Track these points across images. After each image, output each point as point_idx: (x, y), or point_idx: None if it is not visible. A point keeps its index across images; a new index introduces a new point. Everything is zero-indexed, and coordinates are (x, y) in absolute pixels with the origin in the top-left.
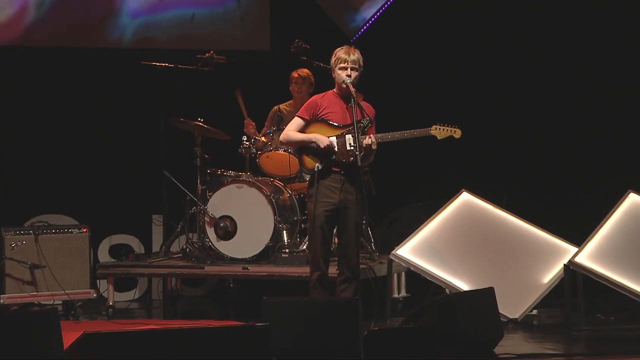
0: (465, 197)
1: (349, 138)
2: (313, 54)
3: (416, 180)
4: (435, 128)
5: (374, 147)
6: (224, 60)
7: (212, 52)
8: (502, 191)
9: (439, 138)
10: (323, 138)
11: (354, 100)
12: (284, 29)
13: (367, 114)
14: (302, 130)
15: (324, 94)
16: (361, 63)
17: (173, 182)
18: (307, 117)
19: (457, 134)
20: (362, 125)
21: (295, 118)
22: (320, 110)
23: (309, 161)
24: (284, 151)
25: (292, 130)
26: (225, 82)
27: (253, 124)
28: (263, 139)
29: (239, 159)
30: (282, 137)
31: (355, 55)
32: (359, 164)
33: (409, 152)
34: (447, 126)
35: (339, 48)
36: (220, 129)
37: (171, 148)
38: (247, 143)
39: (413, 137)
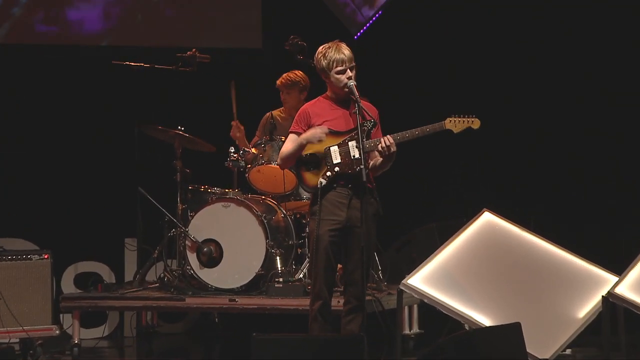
0: (487, 217)
1: (352, 145)
2: (310, 52)
3: (430, 197)
4: (450, 121)
5: (393, 148)
6: (208, 60)
7: (194, 50)
8: (530, 211)
9: (455, 132)
10: (309, 133)
11: (357, 105)
12: (278, 24)
13: (369, 115)
14: None
15: (314, 101)
16: (354, 58)
17: (149, 201)
18: (300, 130)
19: (476, 124)
20: (366, 128)
21: (289, 135)
22: (314, 120)
23: (310, 177)
24: (276, 164)
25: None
26: (209, 84)
27: (241, 128)
28: (253, 150)
29: (226, 173)
30: (279, 158)
31: (347, 51)
32: (364, 177)
33: (421, 164)
34: (463, 117)
35: (325, 48)
36: (203, 139)
37: (147, 161)
38: (235, 155)
39: (426, 134)
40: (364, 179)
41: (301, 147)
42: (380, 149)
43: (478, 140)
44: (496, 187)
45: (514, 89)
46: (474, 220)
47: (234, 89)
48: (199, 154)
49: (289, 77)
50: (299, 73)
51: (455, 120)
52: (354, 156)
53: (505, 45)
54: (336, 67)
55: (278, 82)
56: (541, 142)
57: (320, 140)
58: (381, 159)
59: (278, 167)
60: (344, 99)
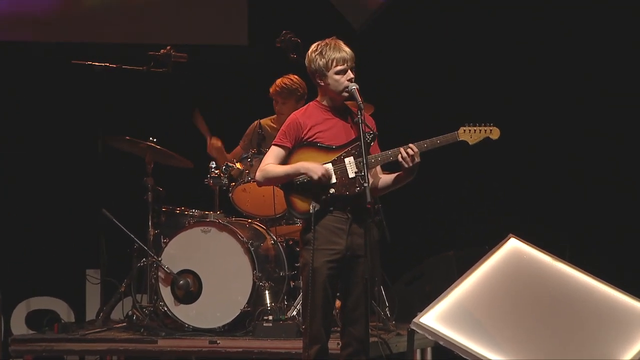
0: (513, 244)
1: (349, 162)
2: (306, 50)
3: (446, 221)
4: (464, 130)
5: (417, 159)
6: (185, 59)
7: (168, 47)
8: (564, 238)
9: (471, 144)
10: (314, 166)
11: (360, 112)
12: (267, 18)
13: (368, 126)
14: (284, 162)
15: (304, 108)
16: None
17: (114, 225)
18: (287, 144)
19: (495, 134)
20: (366, 139)
21: (272, 148)
22: (306, 131)
23: (299, 201)
24: (254, 180)
25: (270, 164)
26: (187, 87)
27: (218, 145)
28: (238, 165)
29: (206, 192)
30: (259, 174)
31: (348, 48)
32: (368, 198)
33: (435, 181)
34: (479, 125)
35: (320, 45)
36: (180, 153)
37: (112, 178)
38: (216, 171)
39: (436, 146)
40: (368, 199)
41: (294, 175)
42: (401, 159)
43: (502, 155)
44: (524, 209)
45: (542, 97)
46: (498, 248)
47: (200, 118)
48: (174, 170)
49: (285, 83)
50: (296, 79)
51: (470, 130)
52: (355, 173)
53: (531, 50)
54: (336, 66)
55: (272, 89)
56: (579, 159)
57: (318, 180)
58: (391, 177)
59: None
60: (339, 107)
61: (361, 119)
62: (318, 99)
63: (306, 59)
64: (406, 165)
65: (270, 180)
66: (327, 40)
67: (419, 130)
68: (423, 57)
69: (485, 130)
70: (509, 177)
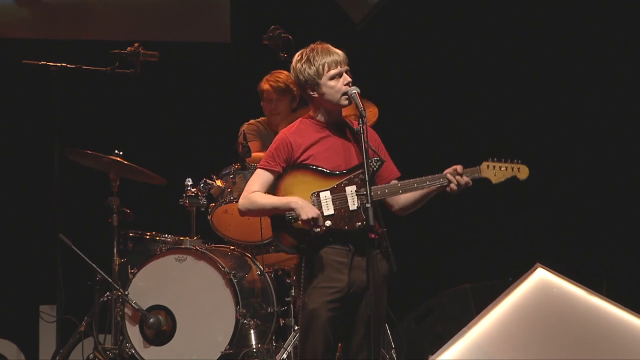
0: (541, 275)
1: (351, 192)
2: (297, 49)
3: (461, 249)
4: (488, 166)
5: (469, 184)
6: (156, 58)
7: (136, 44)
8: (600, 268)
9: (494, 182)
10: (306, 206)
11: (362, 121)
12: (252, 12)
13: (372, 149)
14: (273, 188)
15: (295, 125)
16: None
17: (73, 253)
18: (276, 168)
19: (523, 173)
20: (371, 169)
21: (258, 172)
22: (298, 153)
23: (288, 238)
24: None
25: (257, 193)
26: (158, 92)
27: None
28: (218, 182)
29: (181, 214)
30: (242, 203)
31: (339, 51)
32: (371, 221)
33: (448, 201)
34: (505, 162)
35: (306, 52)
36: (150, 168)
37: (71, 198)
38: (193, 190)
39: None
40: (371, 222)
41: (283, 210)
42: (454, 187)
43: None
44: (552, 233)
45: (572, 112)
46: (523, 280)
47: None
48: (144, 188)
49: (279, 78)
50: (288, 74)
51: (494, 167)
52: (358, 207)
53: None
54: (329, 70)
55: (265, 84)
56: (618, 177)
57: (308, 222)
58: (413, 196)
59: None
60: (337, 122)
61: (364, 132)
62: (310, 114)
63: (292, 71)
64: (455, 193)
65: (254, 212)
66: (312, 46)
67: (423, 131)
68: (429, 52)
69: (513, 169)
70: (535, 197)
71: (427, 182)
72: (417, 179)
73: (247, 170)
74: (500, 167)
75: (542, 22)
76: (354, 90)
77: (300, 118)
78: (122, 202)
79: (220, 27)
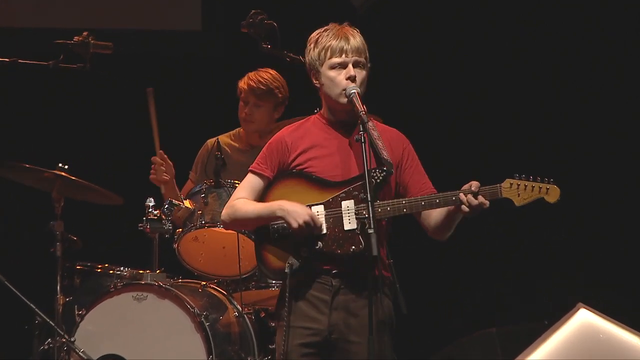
0: (584, 317)
1: (348, 208)
2: (286, 39)
3: (486, 285)
4: (511, 184)
5: (485, 205)
6: (110, 50)
7: (85, 33)
8: None
9: (517, 204)
10: (295, 208)
11: (363, 127)
12: None
13: (384, 155)
14: (262, 195)
15: (300, 123)
16: (367, 52)
17: (7, 290)
18: (266, 172)
19: (552, 195)
20: (374, 180)
21: (247, 175)
22: (294, 156)
23: (272, 258)
24: (221, 221)
25: (241, 199)
26: (113, 89)
27: (169, 164)
28: (187, 203)
29: (141, 243)
30: (225, 212)
31: (356, 38)
32: (374, 251)
33: (467, 227)
34: (532, 181)
35: (320, 31)
36: (102, 185)
37: (4, 222)
38: (155, 212)
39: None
40: (374, 252)
41: (268, 218)
42: (466, 209)
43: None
44: (596, 269)
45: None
46: (563, 323)
47: (153, 101)
48: (95, 209)
49: (262, 78)
50: (277, 76)
51: (519, 185)
52: (358, 226)
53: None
54: (330, 57)
55: (243, 84)
56: None
57: (298, 229)
58: (439, 215)
59: (227, 231)
60: (345, 121)
61: (364, 141)
62: (321, 111)
63: (306, 49)
64: (471, 214)
65: (237, 222)
66: (332, 24)
67: (429, 128)
68: (439, 40)
69: (540, 189)
70: (572, 226)
71: (438, 200)
72: (427, 196)
73: (222, 189)
74: (525, 187)
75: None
76: (353, 89)
77: (312, 115)
78: (67, 227)
79: (189, 12)
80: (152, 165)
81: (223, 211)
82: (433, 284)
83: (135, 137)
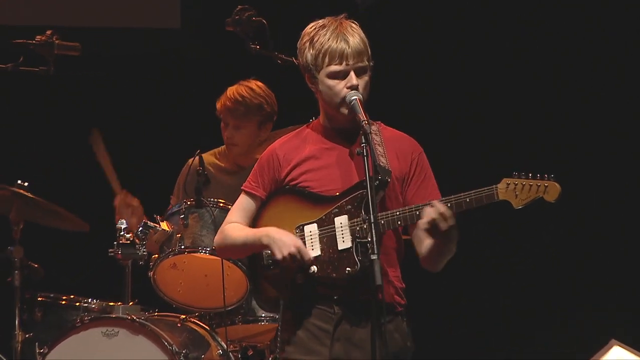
0: (617, 354)
1: (341, 225)
2: (277, 38)
3: (512, 320)
4: (508, 185)
5: (449, 222)
6: (78, 52)
7: (49, 32)
8: None
9: (515, 206)
10: (281, 237)
11: (366, 138)
12: None
13: (382, 162)
14: (256, 217)
15: (295, 132)
16: (369, 51)
17: None
18: (258, 192)
19: (552, 193)
20: (376, 187)
21: (240, 196)
22: (287, 169)
23: (267, 286)
24: (209, 253)
25: (232, 225)
26: (80, 96)
27: (134, 203)
28: (164, 225)
29: (112, 271)
30: (217, 238)
31: (356, 37)
32: (378, 280)
33: (487, 250)
34: (530, 179)
35: (314, 27)
36: (67, 206)
37: None
38: (128, 236)
39: (465, 208)
40: (378, 281)
41: (254, 246)
42: (427, 225)
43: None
44: (632, 304)
45: None
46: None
47: (101, 141)
48: (59, 233)
49: (240, 95)
50: (259, 88)
51: (515, 185)
52: (353, 244)
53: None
54: (329, 64)
55: (220, 104)
56: None
57: (282, 261)
58: (433, 241)
59: (210, 257)
60: (346, 129)
61: (366, 153)
62: (318, 118)
63: (298, 47)
64: (434, 233)
65: (228, 250)
66: (328, 19)
67: (433, 129)
68: (445, 38)
69: (539, 187)
70: (606, 258)
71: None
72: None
73: (204, 209)
74: (522, 186)
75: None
76: (354, 95)
77: (312, 122)
78: (27, 253)
79: (167, 7)
80: (117, 208)
81: (215, 237)
82: (457, 317)
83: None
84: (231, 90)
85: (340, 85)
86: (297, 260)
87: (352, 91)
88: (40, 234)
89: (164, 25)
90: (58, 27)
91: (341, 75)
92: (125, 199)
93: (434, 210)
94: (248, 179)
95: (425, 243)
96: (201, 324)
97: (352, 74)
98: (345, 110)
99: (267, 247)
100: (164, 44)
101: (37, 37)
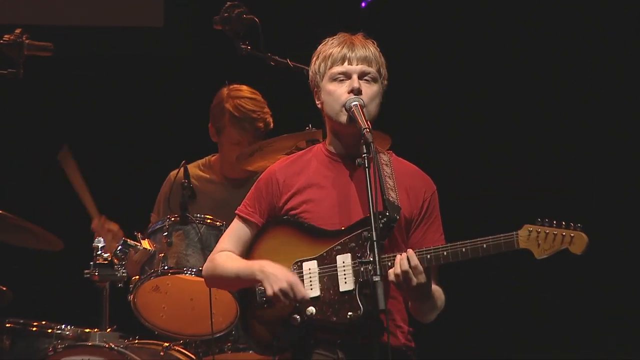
0: None
1: (344, 263)
2: (270, 38)
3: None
4: (530, 232)
5: (413, 280)
6: (49, 52)
7: (18, 31)
8: None
9: (537, 257)
10: (277, 271)
11: (367, 148)
12: None
13: (391, 197)
14: (250, 246)
15: (300, 153)
16: (382, 63)
17: None
18: (254, 218)
19: (578, 244)
20: (383, 225)
21: (234, 221)
22: (287, 197)
23: (259, 327)
24: (195, 275)
25: (223, 253)
26: (52, 101)
27: (113, 228)
28: (145, 244)
29: (88, 293)
30: (206, 267)
31: (368, 47)
32: (381, 304)
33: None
34: (555, 227)
35: (329, 40)
36: (39, 223)
37: None
38: (105, 255)
39: (481, 255)
40: (382, 305)
41: (247, 280)
42: (392, 277)
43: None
44: None
45: None
46: None
47: (72, 161)
48: (29, 253)
49: (249, 101)
50: (260, 97)
51: (539, 233)
52: (356, 287)
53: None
54: (332, 67)
55: (229, 105)
56: None
57: (273, 297)
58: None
59: (196, 278)
60: (354, 155)
61: (368, 168)
62: (326, 139)
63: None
64: (399, 288)
65: (218, 281)
66: (340, 34)
67: (428, 128)
68: (437, 40)
69: (563, 238)
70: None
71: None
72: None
73: (189, 225)
74: (546, 235)
75: None
76: (354, 101)
77: (316, 144)
78: None
79: (149, 5)
80: (95, 234)
81: (205, 264)
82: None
83: (81, 163)
84: (234, 90)
85: (341, 89)
86: (289, 298)
87: (353, 96)
88: (7, 253)
89: (145, 24)
90: (28, 26)
91: (343, 78)
92: (104, 224)
93: (403, 262)
94: (243, 202)
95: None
96: (186, 352)
97: (354, 76)
98: (344, 118)
99: (260, 282)
100: (146, 45)
101: (5, 36)
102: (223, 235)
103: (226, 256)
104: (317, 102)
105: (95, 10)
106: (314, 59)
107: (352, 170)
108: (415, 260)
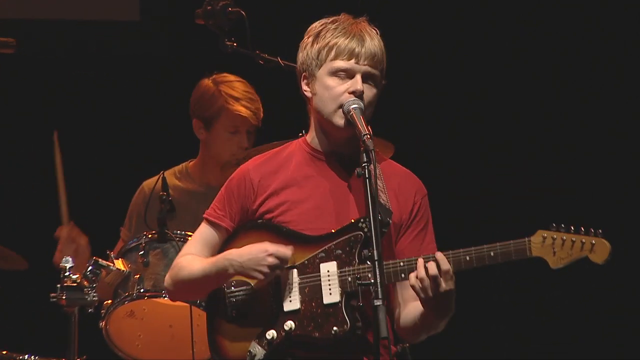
0: None
1: (329, 273)
2: (259, 33)
3: None
4: (544, 238)
5: (444, 286)
6: (12, 49)
7: None
8: None
9: (553, 266)
10: (251, 251)
11: (367, 155)
12: None
13: (382, 199)
14: (217, 251)
15: (276, 150)
16: (385, 64)
17: None
18: (224, 222)
19: (600, 252)
20: (365, 232)
21: (201, 225)
22: (262, 198)
23: (229, 344)
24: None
25: (188, 256)
26: (16, 103)
27: (80, 242)
28: (119, 264)
29: (54, 319)
30: (169, 275)
31: (374, 41)
32: (383, 332)
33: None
34: (572, 233)
35: (325, 22)
36: (4, 242)
37: None
38: (74, 277)
39: (488, 263)
40: (384, 332)
41: (217, 277)
42: (414, 282)
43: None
44: None
45: None
46: None
47: (59, 149)
48: None
49: (239, 84)
50: (247, 90)
51: (554, 239)
52: (342, 298)
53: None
54: (334, 59)
55: (224, 87)
56: None
57: (265, 276)
58: (418, 309)
59: (176, 303)
60: (340, 152)
61: (368, 174)
62: (307, 134)
63: (301, 43)
64: (422, 295)
65: (182, 287)
66: (342, 16)
67: (428, 128)
68: (436, 40)
69: (583, 245)
70: None
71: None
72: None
73: (168, 243)
74: (563, 241)
75: None
76: (354, 103)
77: (297, 139)
78: None
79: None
80: (59, 242)
81: (167, 274)
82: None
83: (47, 175)
84: (235, 84)
85: (340, 87)
86: (284, 264)
87: (354, 98)
88: None
89: (120, 18)
90: None
91: (345, 75)
92: (72, 233)
93: (431, 266)
94: (212, 204)
95: (409, 307)
96: None
97: (358, 76)
98: (340, 121)
99: (234, 275)
100: (121, 40)
101: None
102: (188, 242)
103: (191, 258)
104: (303, 89)
105: (67, 3)
106: (310, 40)
107: (336, 169)
108: (446, 264)
